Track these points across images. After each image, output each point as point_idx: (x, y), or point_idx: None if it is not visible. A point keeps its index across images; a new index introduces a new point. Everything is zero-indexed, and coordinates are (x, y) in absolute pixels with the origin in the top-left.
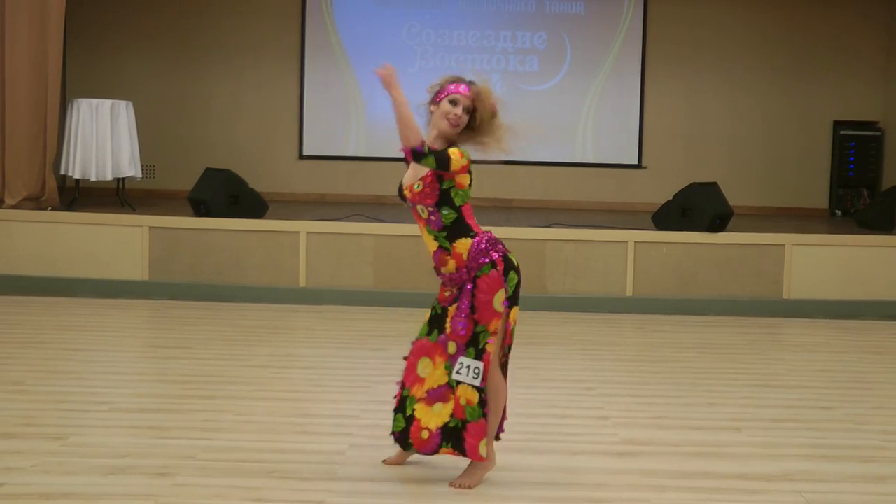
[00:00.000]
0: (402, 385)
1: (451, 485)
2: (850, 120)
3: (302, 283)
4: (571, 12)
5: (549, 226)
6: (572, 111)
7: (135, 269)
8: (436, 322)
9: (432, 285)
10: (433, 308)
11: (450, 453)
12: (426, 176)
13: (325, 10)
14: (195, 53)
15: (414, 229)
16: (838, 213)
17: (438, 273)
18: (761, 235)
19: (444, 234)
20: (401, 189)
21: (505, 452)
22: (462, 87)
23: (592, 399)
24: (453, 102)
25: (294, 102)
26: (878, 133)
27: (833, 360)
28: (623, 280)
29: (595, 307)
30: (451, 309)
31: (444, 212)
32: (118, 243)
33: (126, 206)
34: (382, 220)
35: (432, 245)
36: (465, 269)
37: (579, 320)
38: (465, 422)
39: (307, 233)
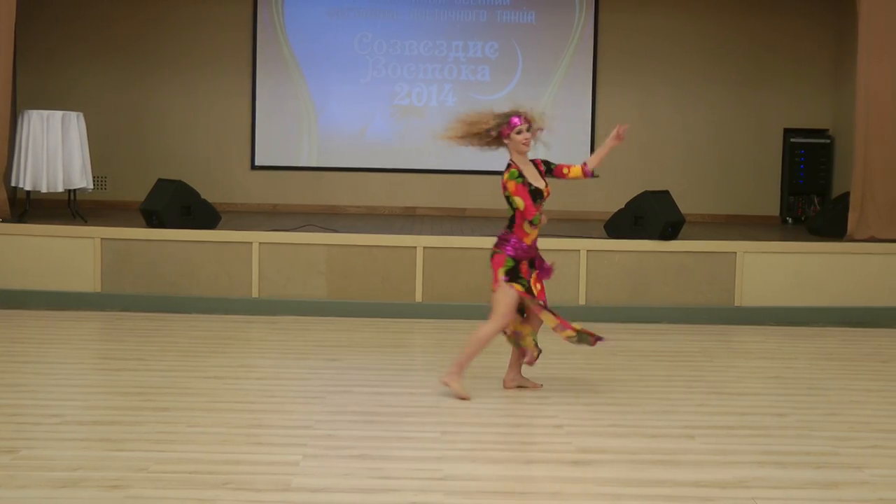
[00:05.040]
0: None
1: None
2: (801, 128)
3: (255, 294)
4: (523, 22)
5: None
6: None
7: (87, 280)
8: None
9: (385, 295)
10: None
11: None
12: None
13: (276, 22)
14: (148, 66)
15: (366, 240)
16: (789, 220)
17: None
18: (713, 243)
19: None
20: (540, 191)
21: (460, 462)
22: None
23: (547, 408)
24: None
25: (246, 113)
26: (827, 141)
27: (785, 367)
28: (576, 288)
29: None
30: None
31: None
32: (70, 255)
33: (78, 218)
34: (335, 231)
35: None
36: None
37: None
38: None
39: (260, 243)
